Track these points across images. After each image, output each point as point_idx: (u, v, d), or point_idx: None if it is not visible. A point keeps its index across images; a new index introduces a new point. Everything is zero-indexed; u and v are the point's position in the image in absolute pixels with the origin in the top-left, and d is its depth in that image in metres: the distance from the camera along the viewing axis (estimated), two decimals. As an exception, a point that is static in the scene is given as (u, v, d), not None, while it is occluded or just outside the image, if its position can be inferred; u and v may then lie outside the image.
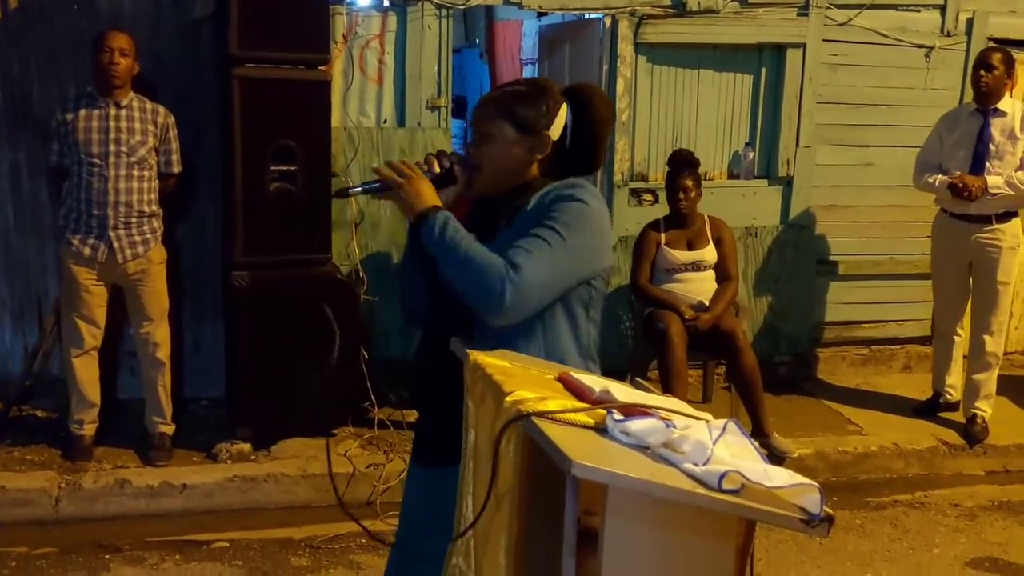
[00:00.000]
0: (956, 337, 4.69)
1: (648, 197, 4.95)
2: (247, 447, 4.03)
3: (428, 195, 1.84)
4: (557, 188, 1.83)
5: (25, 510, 3.66)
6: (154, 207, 3.89)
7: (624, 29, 4.72)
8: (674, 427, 1.38)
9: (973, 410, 4.58)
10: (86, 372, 3.93)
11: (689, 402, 1.87)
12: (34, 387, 4.38)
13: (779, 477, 1.29)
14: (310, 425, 4.09)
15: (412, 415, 4.06)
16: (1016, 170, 4.35)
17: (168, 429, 4.05)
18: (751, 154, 5.07)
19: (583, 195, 1.80)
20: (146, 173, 3.84)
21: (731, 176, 5.11)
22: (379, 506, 3.78)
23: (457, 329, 1.85)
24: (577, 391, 1.57)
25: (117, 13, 4.19)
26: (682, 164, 4.42)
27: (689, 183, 4.38)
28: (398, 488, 3.69)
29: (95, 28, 3.97)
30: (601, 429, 1.42)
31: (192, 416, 4.37)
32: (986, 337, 4.51)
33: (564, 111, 1.86)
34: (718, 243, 4.47)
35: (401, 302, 2.11)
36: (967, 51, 5.11)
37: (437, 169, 1.90)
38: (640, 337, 4.61)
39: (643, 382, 1.84)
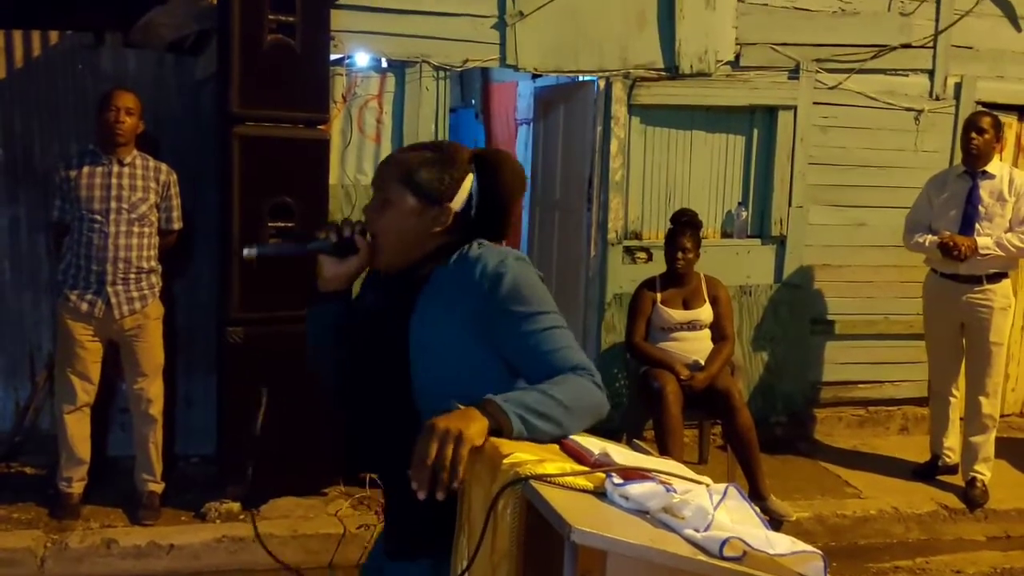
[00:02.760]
0: (952, 398, 4.67)
1: (642, 255, 4.98)
2: (236, 506, 3.97)
3: (470, 416, 1.50)
4: (481, 258, 1.69)
5: (10, 571, 3.59)
6: (153, 263, 3.90)
7: (618, 91, 4.80)
8: (674, 491, 1.36)
9: (972, 473, 4.53)
10: (77, 429, 3.89)
11: (685, 462, 1.84)
12: (24, 443, 4.33)
13: (781, 544, 1.27)
14: (301, 484, 4.04)
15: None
16: (1006, 231, 4.39)
17: (157, 487, 3.99)
18: (744, 213, 5.12)
19: (514, 264, 1.69)
20: (146, 230, 3.85)
21: (724, 235, 5.15)
22: (371, 568, 3.71)
23: (391, 409, 1.72)
24: (575, 453, 1.55)
25: (121, 73, 4.26)
26: (685, 224, 4.45)
27: (689, 244, 4.40)
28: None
29: (99, 87, 4.03)
30: (600, 493, 1.39)
31: (182, 473, 4.32)
32: (982, 399, 4.49)
33: (469, 181, 1.74)
34: (714, 302, 4.48)
35: (311, 361, 1.89)
36: (956, 115, 5.21)
37: (334, 239, 1.75)
38: (635, 396, 4.59)
39: (641, 444, 1.82)
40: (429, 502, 1.46)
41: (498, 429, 1.50)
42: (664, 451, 3.95)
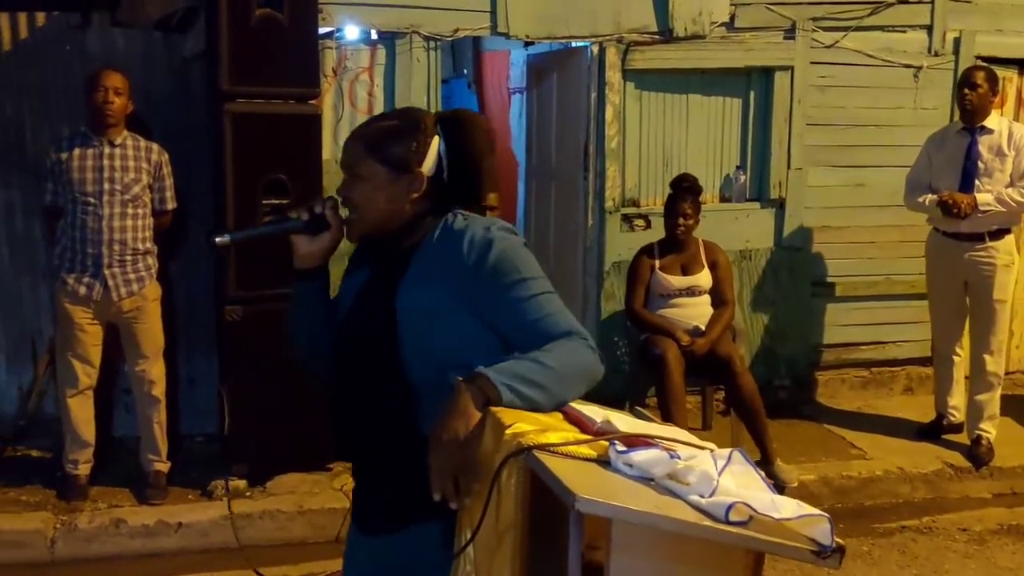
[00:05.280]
0: (956, 357, 4.66)
1: (640, 222, 4.95)
2: (243, 483, 3.99)
3: (464, 411, 1.52)
4: (467, 230, 1.68)
5: (20, 552, 3.61)
6: (148, 244, 3.89)
7: (611, 56, 4.75)
8: (679, 458, 1.35)
9: (977, 431, 4.53)
10: (81, 411, 3.89)
11: (689, 429, 1.83)
12: (28, 427, 4.34)
13: (787, 508, 1.26)
14: (306, 460, 4.05)
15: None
16: (1006, 186, 4.35)
17: (163, 467, 4.01)
18: (742, 177, 5.08)
19: (499, 233, 1.69)
20: (140, 211, 3.83)
21: (723, 199, 5.11)
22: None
23: (381, 381, 1.70)
24: (578, 422, 1.55)
25: (109, 53, 4.21)
26: (685, 190, 4.41)
27: (690, 210, 4.37)
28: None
29: (87, 68, 3.98)
30: (604, 461, 1.39)
31: (187, 453, 4.33)
32: (986, 357, 4.48)
33: (436, 144, 1.73)
34: (713, 267, 4.46)
35: (296, 346, 1.92)
36: (955, 70, 5.12)
37: (305, 216, 1.76)
38: (636, 364, 4.59)
39: (643, 411, 1.81)
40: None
41: (489, 402, 1.52)
42: (667, 418, 3.95)
